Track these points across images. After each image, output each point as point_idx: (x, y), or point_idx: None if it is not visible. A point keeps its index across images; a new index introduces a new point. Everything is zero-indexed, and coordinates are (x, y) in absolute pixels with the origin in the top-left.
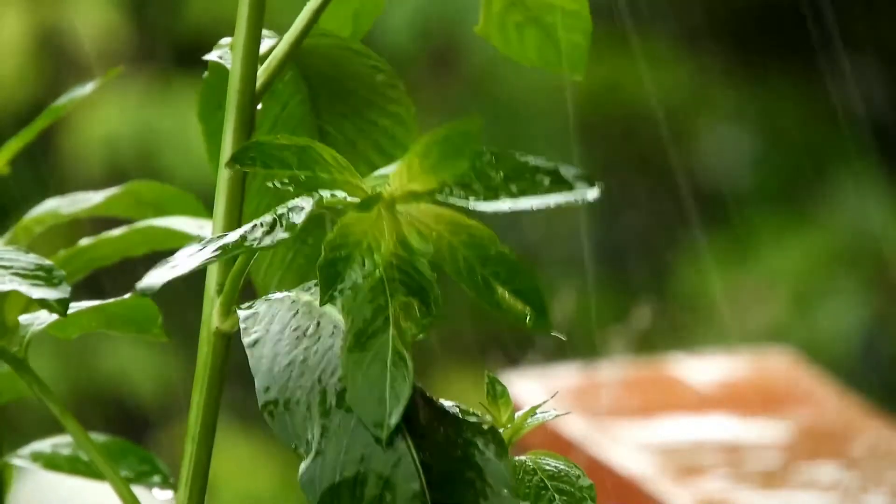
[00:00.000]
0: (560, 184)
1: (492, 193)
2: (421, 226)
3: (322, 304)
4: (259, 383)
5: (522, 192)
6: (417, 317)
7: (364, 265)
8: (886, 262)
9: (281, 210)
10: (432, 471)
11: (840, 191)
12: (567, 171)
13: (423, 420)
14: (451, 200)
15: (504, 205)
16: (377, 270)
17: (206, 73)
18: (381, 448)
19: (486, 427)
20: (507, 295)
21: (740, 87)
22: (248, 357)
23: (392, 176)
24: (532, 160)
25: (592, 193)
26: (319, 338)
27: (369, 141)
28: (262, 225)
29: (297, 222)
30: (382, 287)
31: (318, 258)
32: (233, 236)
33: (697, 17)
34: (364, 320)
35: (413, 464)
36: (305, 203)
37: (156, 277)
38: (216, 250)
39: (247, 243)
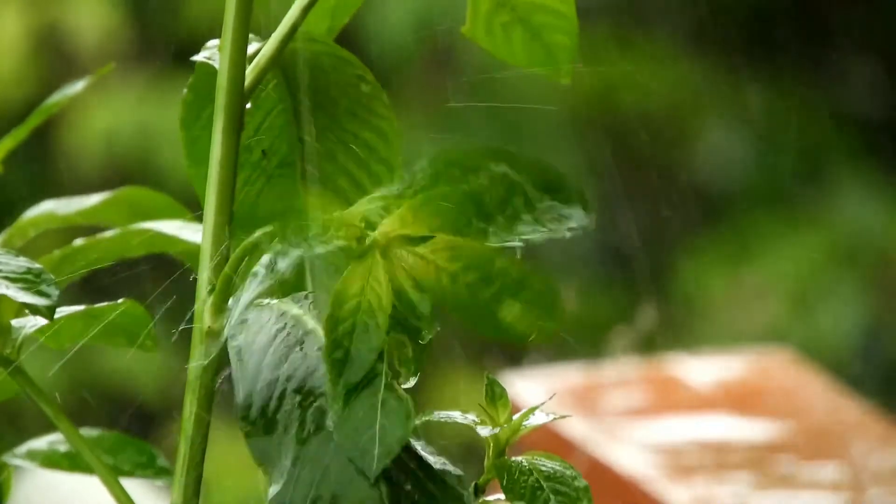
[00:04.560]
0: (557, 204)
1: (482, 233)
2: (418, 265)
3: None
4: (240, 396)
5: (510, 223)
6: (410, 356)
7: (369, 332)
8: (886, 262)
9: (271, 256)
10: None
11: (840, 191)
12: (567, 191)
13: (400, 467)
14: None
15: (495, 238)
16: (382, 333)
17: (191, 78)
18: (357, 487)
19: (460, 485)
20: (514, 311)
21: (740, 86)
22: (232, 366)
23: (385, 223)
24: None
25: (586, 224)
26: (305, 357)
27: (350, 154)
28: (258, 273)
29: (282, 268)
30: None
31: (293, 283)
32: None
33: (698, 16)
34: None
35: None
36: (292, 251)
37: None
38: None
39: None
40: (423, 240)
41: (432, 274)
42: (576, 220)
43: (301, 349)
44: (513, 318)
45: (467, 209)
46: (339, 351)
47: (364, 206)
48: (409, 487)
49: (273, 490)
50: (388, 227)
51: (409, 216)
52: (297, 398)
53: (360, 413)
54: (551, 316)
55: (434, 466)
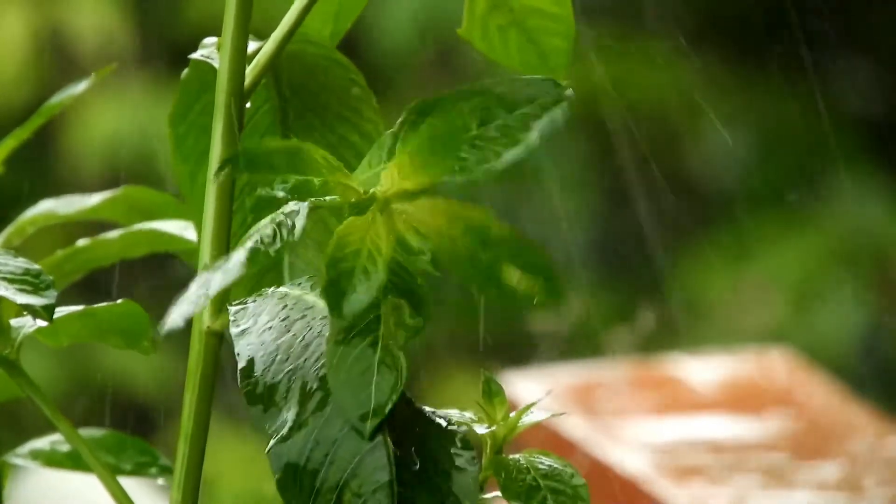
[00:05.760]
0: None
1: (480, 154)
2: (418, 223)
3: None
4: (241, 367)
5: (503, 135)
6: (407, 320)
7: (368, 276)
8: (886, 262)
9: (279, 217)
10: (402, 467)
11: (840, 191)
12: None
13: (400, 417)
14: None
15: (497, 164)
16: (381, 277)
17: (183, 74)
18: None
19: (461, 436)
20: (513, 275)
21: (740, 86)
22: (234, 346)
23: (384, 176)
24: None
25: (561, 112)
26: (308, 327)
27: (335, 155)
28: (264, 237)
29: (299, 228)
30: None
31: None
32: (241, 256)
33: (697, 17)
34: (353, 317)
35: (386, 455)
36: (301, 207)
37: (180, 313)
38: (229, 272)
39: (255, 258)
40: (422, 195)
41: (433, 233)
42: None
43: (304, 321)
44: (513, 282)
45: (456, 142)
46: (336, 290)
47: (362, 174)
48: (409, 439)
49: (273, 440)
50: (385, 183)
51: (405, 166)
52: (301, 359)
53: (356, 373)
54: (549, 283)
55: (437, 422)
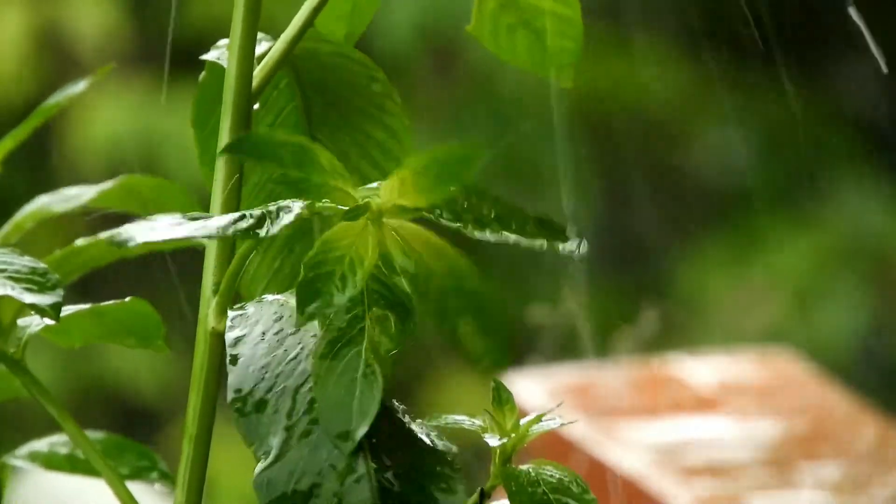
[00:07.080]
0: (547, 233)
1: (480, 226)
2: (404, 244)
3: (298, 325)
4: (232, 380)
5: (509, 232)
6: (393, 331)
7: (345, 283)
8: (886, 262)
9: (271, 207)
10: (388, 495)
11: (840, 191)
12: (556, 224)
13: (386, 442)
14: (441, 221)
15: (490, 236)
16: (358, 286)
17: (201, 76)
18: (342, 464)
19: (449, 458)
20: (468, 332)
21: (740, 86)
22: (227, 354)
23: (383, 187)
24: (526, 210)
25: (575, 249)
26: (299, 343)
27: (362, 153)
28: (250, 217)
29: (285, 222)
30: (361, 297)
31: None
32: (220, 221)
33: (697, 17)
34: (339, 329)
35: (370, 487)
36: (295, 204)
37: (135, 233)
38: (199, 229)
39: (232, 231)
40: (416, 213)
41: (414, 258)
42: (566, 244)
43: (297, 335)
44: (464, 338)
45: (462, 176)
46: (308, 291)
47: (362, 191)
48: (396, 462)
49: (260, 467)
50: (383, 194)
51: (408, 182)
52: (290, 379)
53: (341, 389)
54: (496, 350)
55: (425, 443)
